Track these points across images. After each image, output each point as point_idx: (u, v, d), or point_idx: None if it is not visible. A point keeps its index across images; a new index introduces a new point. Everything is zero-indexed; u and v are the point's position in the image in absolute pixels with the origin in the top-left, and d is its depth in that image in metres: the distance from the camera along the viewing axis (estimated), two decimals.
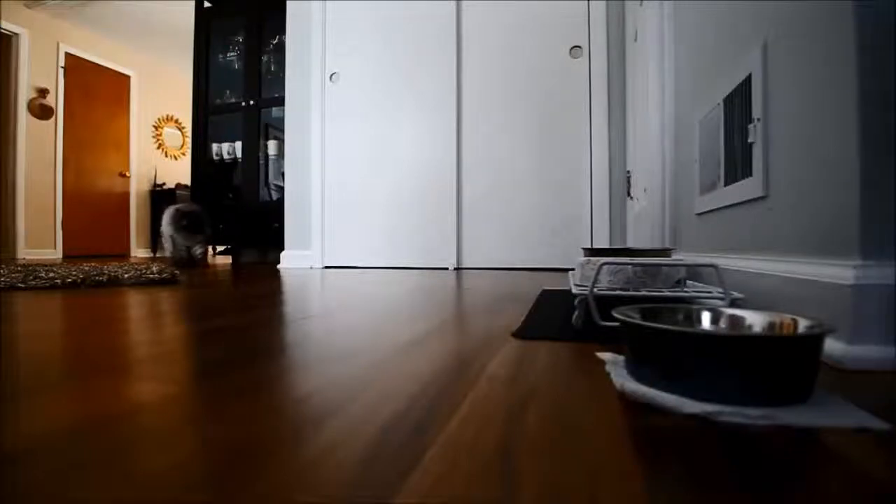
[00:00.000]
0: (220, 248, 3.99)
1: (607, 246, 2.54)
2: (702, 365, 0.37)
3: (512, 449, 0.33)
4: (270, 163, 3.68)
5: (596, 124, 2.59)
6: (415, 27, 2.86)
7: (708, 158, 1.15)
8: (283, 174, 3.29)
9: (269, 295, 1.37)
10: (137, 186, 6.07)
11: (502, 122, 2.73)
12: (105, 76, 5.69)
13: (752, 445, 0.34)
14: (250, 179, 3.64)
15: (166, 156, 6.47)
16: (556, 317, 0.92)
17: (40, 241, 5.00)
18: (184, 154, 6.55)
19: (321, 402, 0.43)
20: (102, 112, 5.67)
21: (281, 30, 3.36)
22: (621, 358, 0.48)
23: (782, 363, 0.36)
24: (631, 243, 2.33)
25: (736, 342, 0.38)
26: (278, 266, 3.07)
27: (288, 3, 3.16)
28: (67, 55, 5.25)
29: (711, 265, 0.74)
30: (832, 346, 0.56)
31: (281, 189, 3.48)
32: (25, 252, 4.84)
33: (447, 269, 2.70)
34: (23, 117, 4.84)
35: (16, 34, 4.81)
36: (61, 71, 5.17)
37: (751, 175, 0.88)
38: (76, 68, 5.34)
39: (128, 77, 5.95)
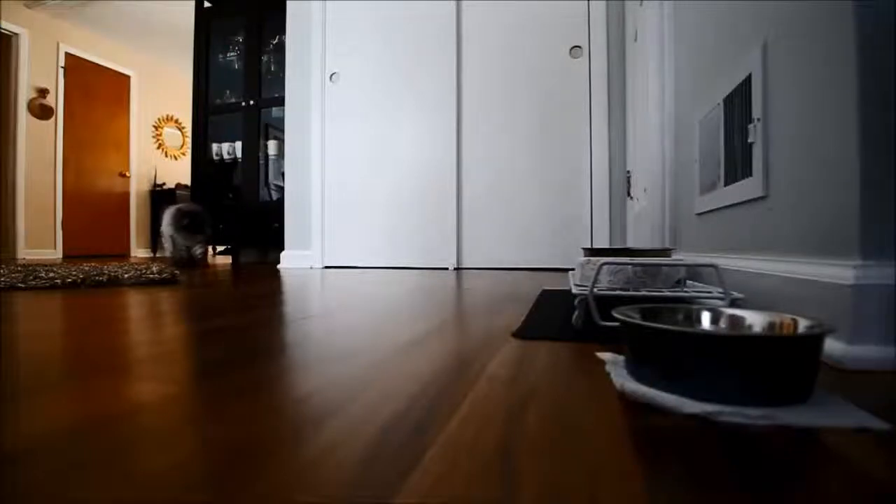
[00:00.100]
0: (220, 248, 3.99)
1: (607, 246, 2.54)
2: (702, 365, 0.37)
3: (512, 449, 0.33)
4: (270, 163, 3.68)
5: (596, 124, 2.59)
6: (415, 27, 2.86)
7: (708, 158, 1.15)
8: (283, 174, 3.29)
9: (269, 295, 1.37)
10: (137, 186, 6.07)
11: (502, 122, 2.73)
12: (105, 76, 5.69)
13: (752, 445, 0.34)
14: (250, 179, 3.64)
15: (166, 156, 6.47)
16: (556, 317, 0.92)
17: (40, 241, 5.00)
18: (184, 154, 6.55)
19: (321, 402, 0.43)
20: (102, 112, 5.67)
21: (281, 30, 3.36)
22: (621, 358, 0.48)
23: (782, 363, 0.36)
24: (631, 243, 2.33)
25: (736, 342, 0.38)
26: (278, 266, 3.07)
27: (288, 3, 3.16)
28: (67, 55, 5.25)
29: (711, 265, 0.74)
30: (832, 346, 0.56)
31: (281, 189, 3.48)
32: (25, 252, 4.84)
33: (447, 269, 2.70)
34: (23, 117, 4.84)
35: (16, 34, 4.81)
36: (61, 71, 5.17)
37: (751, 175, 0.88)
38: (76, 68, 5.34)
39: (128, 77, 5.95)
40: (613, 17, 2.58)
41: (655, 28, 1.65)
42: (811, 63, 0.68)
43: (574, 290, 0.81)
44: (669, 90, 1.57)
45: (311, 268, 2.93)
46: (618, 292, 0.79)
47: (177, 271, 1.86)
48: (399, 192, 2.88)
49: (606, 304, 0.65)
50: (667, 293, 0.80)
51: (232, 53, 3.84)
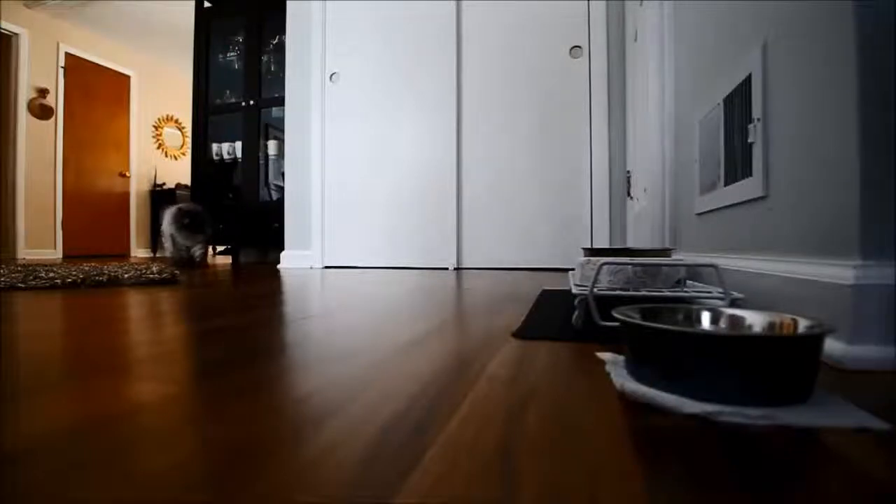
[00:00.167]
0: (220, 248, 3.99)
1: (607, 246, 2.54)
2: (702, 365, 0.37)
3: (512, 449, 0.33)
4: (270, 163, 3.68)
5: (596, 124, 2.59)
6: (415, 27, 2.86)
7: (708, 158, 1.15)
8: (283, 174, 3.29)
9: (269, 295, 1.37)
10: (137, 186, 6.07)
11: (502, 122, 2.73)
12: (105, 76, 5.69)
13: (752, 445, 0.34)
14: (250, 179, 3.64)
15: (166, 156, 6.47)
16: (556, 317, 0.92)
17: (40, 241, 5.00)
18: (184, 154, 6.55)
19: (321, 402, 0.43)
20: (102, 112, 5.67)
21: (281, 30, 3.36)
22: (621, 358, 0.48)
23: (782, 363, 0.36)
24: (631, 243, 2.33)
25: (736, 342, 0.38)
26: (278, 266, 3.07)
27: (288, 3, 3.16)
28: (67, 55, 5.25)
29: (711, 265, 0.74)
30: (832, 346, 0.56)
31: (281, 189, 3.48)
32: (25, 252, 4.84)
33: (447, 269, 2.70)
34: (23, 117, 4.84)
35: (16, 34, 4.81)
36: (61, 71, 5.17)
37: (751, 175, 0.88)
38: (76, 68, 5.34)
39: (128, 77, 5.95)
40: (613, 17, 2.58)
41: (655, 28, 1.65)
42: (811, 63, 0.68)
43: (574, 290, 0.81)
44: (669, 90, 1.57)
45: (311, 268, 2.93)
46: (618, 292, 0.79)
47: (177, 271, 1.86)
48: (399, 192, 2.88)
49: (606, 304, 0.65)
50: (667, 293, 0.80)
51: (232, 53, 3.84)
